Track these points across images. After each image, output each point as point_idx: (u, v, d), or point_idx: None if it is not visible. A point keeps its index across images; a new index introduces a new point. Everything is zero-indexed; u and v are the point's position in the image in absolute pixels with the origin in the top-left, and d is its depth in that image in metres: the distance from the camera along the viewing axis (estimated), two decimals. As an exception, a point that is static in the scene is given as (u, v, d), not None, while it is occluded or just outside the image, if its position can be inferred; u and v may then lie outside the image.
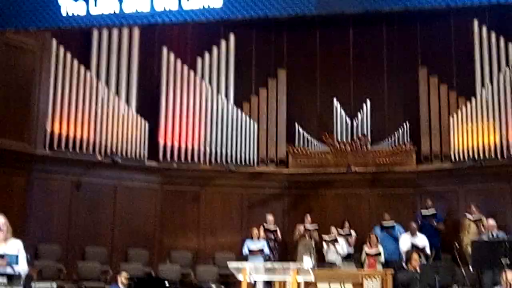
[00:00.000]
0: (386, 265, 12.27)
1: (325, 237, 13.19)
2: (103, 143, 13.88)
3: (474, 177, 13.95)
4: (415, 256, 9.69)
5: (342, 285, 10.09)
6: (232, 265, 5.86)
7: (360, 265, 12.66)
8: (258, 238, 13.16)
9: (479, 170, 13.82)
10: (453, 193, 14.26)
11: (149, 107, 14.90)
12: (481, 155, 13.80)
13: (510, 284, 8.13)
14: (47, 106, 13.35)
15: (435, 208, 13.37)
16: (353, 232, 13.66)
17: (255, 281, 11.65)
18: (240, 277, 5.77)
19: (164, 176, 14.77)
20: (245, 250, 12.93)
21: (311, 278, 6.02)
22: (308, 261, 11.86)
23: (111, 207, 14.17)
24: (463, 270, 9.92)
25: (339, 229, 13.46)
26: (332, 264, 12.43)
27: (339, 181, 14.89)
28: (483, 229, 12.02)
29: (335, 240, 13.13)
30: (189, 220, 14.84)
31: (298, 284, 5.89)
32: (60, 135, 13.40)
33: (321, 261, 13.12)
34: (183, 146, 14.80)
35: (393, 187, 14.63)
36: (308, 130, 15.40)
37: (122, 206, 14.26)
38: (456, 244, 10.35)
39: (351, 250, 13.45)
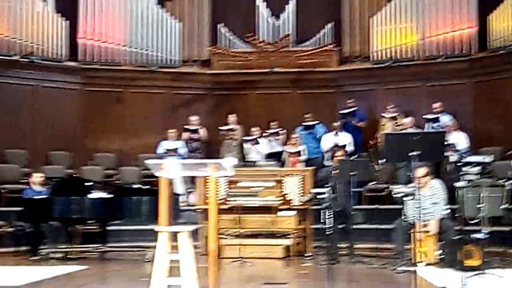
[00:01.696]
0: (307, 163, 12.61)
1: (246, 137, 13.43)
2: (19, 42, 13.40)
3: (392, 77, 14.29)
4: (340, 152, 9.97)
5: (263, 183, 10.31)
6: (150, 162, 5.90)
7: (282, 164, 12.98)
8: (175, 139, 13.27)
9: (397, 70, 14.18)
10: (372, 93, 14.58)
11: (67, 4, 14.38)
12: (400, 55, 14.13)
13: (422, 179, 8.51)
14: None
15: (355, 107, 13.68)
16: (281, 131, 13.88)
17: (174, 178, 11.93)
18: (158, 173, 5.82)
19: (85, 76, 14.46)
20: (160, 150, 13.04)
21: (229, 173, 6.13)
22: (230, 160, 12.06)
23: (30, 109, 13.88)
24: (378, 167, 10.29)
25: (269, 129, 13.65)
26: (254, 163, 12.68)
27: (262, 81, 14.98)
28: (398, 127, 12.46)
29: (256, 141, 13.37)
30: (111, 121, 14.70)
31: (217, 180, 5.99)
32: (-28, 33, 12.86)
33: (244, 160, 13.37)
34: (103, 45, 14.47)
35: (315, 87, 14.83)
36: (232, 30, 15.28)
37: (42, 108, 13.98)
38: (370, 142, 10.68)
39: (280, 149, 13.68)
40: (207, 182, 9.65)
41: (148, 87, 14.89)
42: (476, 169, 6.31)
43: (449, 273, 7.52)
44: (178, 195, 11.24)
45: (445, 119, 12.55)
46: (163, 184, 5.77)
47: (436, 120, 12.45)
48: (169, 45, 14.98)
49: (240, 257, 8.97)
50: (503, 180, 9.16)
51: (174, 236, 5.47)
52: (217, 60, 15.10)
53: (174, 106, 15.01)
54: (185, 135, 13.48)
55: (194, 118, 13.73)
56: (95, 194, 9.81)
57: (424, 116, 12.76)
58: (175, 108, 14.98)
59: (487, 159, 7.02)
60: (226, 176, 9.70)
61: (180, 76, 15.08)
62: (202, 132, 13.67)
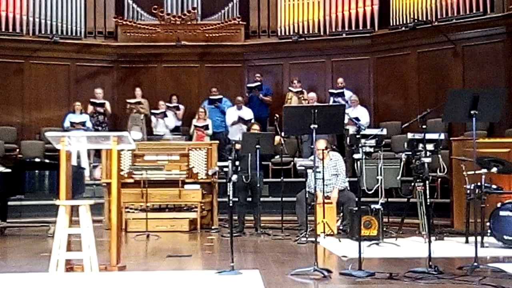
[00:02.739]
0: (213, 137, 12.65)
1: (154, 111, 13.34)
2: None
3: (298, 51, 14.49)
4: (255, 126, 10.04)
5: (169, 156, 10.28)
6: (50, 134, 5.76)
7: (189, 137, 12.98)
8: (81, 112, 13.02)
9: (303, 45, 14.36)
10: (278, 67, 14.77)
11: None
12: (306, 30, 14.33)
13: (323, 152, 8.72)
14: None
15: (262, 82, 13.79)
16: (181, 106, 13.86)
17: (78, 151, 11.76)
18: (58, 146, 5.69)
19: (-17, 47, 13.91)
20: (66, 123, 12.77)
21: (132, 146, 6.09)
22: (136, 134, 11.99)
23: None
24: (282, 140, 10.43)
25: (167, 103, 13.61)
26: (160, 137, 12.62)
27: (169, 54, 14.85)
28: (303, 102, 12.68)
29: (164, 114, 13.30)
30: (12, 93, 14.21)
31: (119, 152, 5.93)
32: None
33: (151, 134, 13.28)
34: (3, 14, 13.91)
35: (222, 61, 14.85)
36: (137, 2, 15.03)
37: None
38: (277, 115, 10.80)
39: (179, 123, 13.73)
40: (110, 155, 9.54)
41: (51, 58, 14.45)
42: (373, 141, 6.52)
43: (349, 243, 7.79)
44: (84, 169, 11.04)
45: (349, 94, 12.88)
46: (63, 157, 5.66)
47: (341, 94, 12.75)
48: (73, 15, 14.59)
49: (146, 231, 8.92)
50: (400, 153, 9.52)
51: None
52: (123, 32, 14.83)
53: (78, 78, 14.66)
54: (90, 108, 13.22)
55: (99, 91, 13.47)
56: (-6, 169, 9.47)
57: (329, 91, 13.06)
58: (79, 81, 14.64)
59: (383, 131, 7.28)
60: (130, 150, 9.63)
61: (85, 48, 14.73)
62: (108, 106, 13.44)
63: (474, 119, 5.60)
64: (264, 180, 10.88)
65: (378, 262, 6.48)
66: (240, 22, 14.71)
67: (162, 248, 7.89)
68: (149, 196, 9.44)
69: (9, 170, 9.42)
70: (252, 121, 12.67)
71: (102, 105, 13.30)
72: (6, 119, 14.02)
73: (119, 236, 5.76)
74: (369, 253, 6.64)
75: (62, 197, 5.55)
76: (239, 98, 13.16)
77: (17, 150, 13.31)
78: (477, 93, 5.65)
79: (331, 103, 12.54)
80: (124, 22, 14.62)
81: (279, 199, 9.57)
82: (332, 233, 8.50)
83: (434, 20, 12.95)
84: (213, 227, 9.98)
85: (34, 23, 14.22)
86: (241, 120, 12.69)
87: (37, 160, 10.24)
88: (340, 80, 13.12)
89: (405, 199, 8.81)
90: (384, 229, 8.28)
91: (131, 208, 9.86)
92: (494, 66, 12.26)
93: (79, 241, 5.31)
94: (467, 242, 7.67)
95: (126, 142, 5.86)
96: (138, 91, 13.63)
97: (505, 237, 7.24)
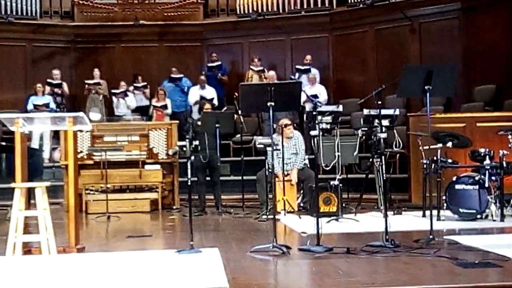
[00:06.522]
0: (174, 117, 12.59)
1: (115, 90, 13.23)
2: None
3: (257, 30, 14.47)
4: (207, 105, 10.02)
5: (129, 137, 10.22)
6: (3, 116, 5.67)
7: (149, 117, 12.90)
8: (43, 93, 12.82)
9: (262, 23, 14.34)
10: (238, 46, 14.73)
11: None
12: (265, 8, 14.29)
13: (282, 127, 8.75)
14: None
15: (220, 61, 13.75)
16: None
17: (30, 131, 11.55)
18: (13, 128, 5.61)
19: None
20: (29, 106, 12.57)
21: (88, 127, 6.04)
22: (95, 115, 11.84)
23: None
24: (241, 119, 10.43)
25: (134, 83, 13.50)
26: (120, 117, 12.51)
27: (127, 34, 14.71)
28: (264, 80, 12.69)
29: (125, 93, 13.20)
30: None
31: (76, 133, 5.88)
32: None
33: (111, 115, 13.16)
34: (-46, -6, 13.60)
35: (181, 40, 14.75)
36: (95, -19, 14.85)
37: None
38: (236, 94, 10.79)
39: (147, 102, 13.59)
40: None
41: (6, 39, 14.17)
42: (329, 118, 6.56)
43: (309, 219, 7.84)
44: (42, 151, 10.92)
45: (315, 71, 12.93)
46: (18, 139, 5.58)
47: (307, 71, 12.79)
48: (28, -6, 14.34)
49: (107, 212, 8.88)
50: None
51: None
52: (80, 11, 14.64)
53: (35, 59, 14.42)
54: (48, 89, 13.03)
55: (56, 72, 13.28)
56: (-52, 153, 9.28)
57: (296, 66, 13.07)
58: (36, 62, 14.40)
59: (339, 108, 7.33)
60: (89, 131, 9.55)
61: (41, 28, 14.50)
62: (65, 87, 13.27)
63: (427, 94, 5.66)
64: (226, 159, 10.90)
65: (337, 237, 6.55)
66: (199, 1, 14.68)
67: (123, 229, 7.87)
68: (109, 177, 9.39)
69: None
70: (215, 100, 12.69)
71: (59, 86, 13.13)
72: (-38, 102, 13.78)
73: (77, 218, 5.72)
74: (329, 229, 6.72)
75: (18, 179, 5.48)
76: (202, 77, 13.10)
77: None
78: (431, 69, 5.70)
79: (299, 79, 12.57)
80: (81, 2, 14.44)
81: (240, 178, 9.58)
82: (292, 210, 8.56)
83: (391, -3, 13.05)
84: (174, 207, 9.98)
85: (-13, 3, 13.93)
86: (203, 99, 12.64)
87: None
88: (308, 57, 13.10)
89: (364, 175, 8.90)
90: (344, 205, 8.36)
91: (91, 190, 9.79)
92: (450, 42, 12.41)
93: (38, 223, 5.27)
94: (424, 216, 7.77)
95: (83, 123, 5.80)
96: (96, 72, 13.50)
97: (461, 210, 7.39)
